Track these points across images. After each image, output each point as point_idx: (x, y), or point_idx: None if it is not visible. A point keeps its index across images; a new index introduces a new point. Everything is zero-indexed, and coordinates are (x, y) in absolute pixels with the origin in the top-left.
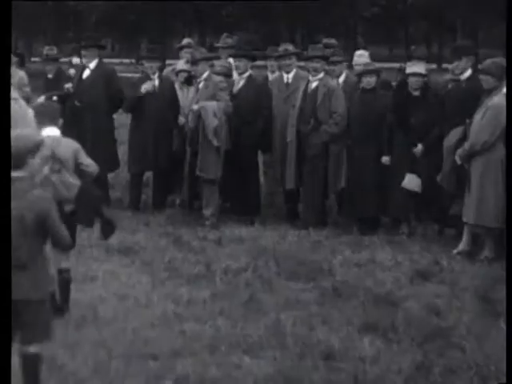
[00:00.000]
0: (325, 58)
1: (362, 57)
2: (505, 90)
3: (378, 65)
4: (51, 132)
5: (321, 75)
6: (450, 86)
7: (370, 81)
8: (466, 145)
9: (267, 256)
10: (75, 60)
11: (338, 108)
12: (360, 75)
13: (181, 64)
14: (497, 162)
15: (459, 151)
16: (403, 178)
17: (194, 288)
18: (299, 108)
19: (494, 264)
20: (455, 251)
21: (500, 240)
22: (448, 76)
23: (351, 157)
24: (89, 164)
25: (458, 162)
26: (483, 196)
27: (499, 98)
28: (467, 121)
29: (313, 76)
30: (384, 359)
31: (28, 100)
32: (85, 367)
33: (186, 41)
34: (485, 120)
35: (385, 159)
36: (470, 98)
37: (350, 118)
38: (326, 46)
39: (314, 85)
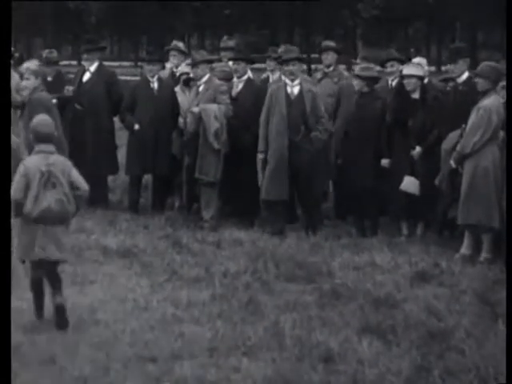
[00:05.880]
0: (301, 60)
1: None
2: (501, 92)
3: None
4: (46, 148)
5: (299, 80)
6: (447, 87)
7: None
8: (459, 147)
9: (266, 258)
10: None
11: (323, 112)
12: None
13: (183, 66)
14: (488, 164)
15: (453, 154)
16: (401, 181)
17: (193, 290)
18: (286, 116)
19: (493, 266)
20: (457, 256)
21: (499, 241)
22: (443, 76)
23: (349, 159)
24: (80, 184)
25: (453, 165)
26: (471, 196)
27: (491, 100)
28: (463, 126)
29: (291, 81)
30: (383, 361)
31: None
32: (84, 369)
33: (173, 43)
34: (475, 121)
35: (384, 162)
36: (467, 101)
37: (347, 121)
38: (326, 48)
39: (295, 90)
